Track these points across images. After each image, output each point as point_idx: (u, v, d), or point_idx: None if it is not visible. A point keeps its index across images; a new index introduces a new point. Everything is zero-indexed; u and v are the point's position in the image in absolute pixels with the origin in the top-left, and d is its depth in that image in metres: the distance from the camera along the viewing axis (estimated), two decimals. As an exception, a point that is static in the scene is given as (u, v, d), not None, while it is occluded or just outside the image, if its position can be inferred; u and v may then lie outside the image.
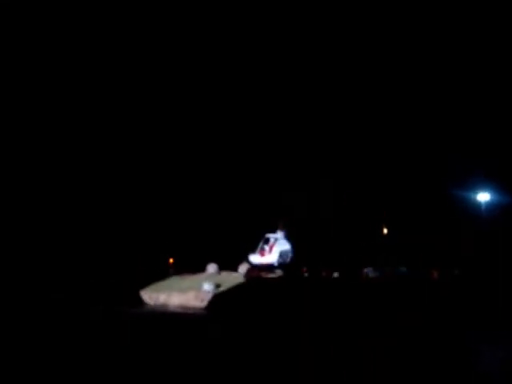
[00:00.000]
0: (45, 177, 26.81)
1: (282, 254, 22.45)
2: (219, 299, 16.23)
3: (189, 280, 18.03)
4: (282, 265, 21.96)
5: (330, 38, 33.43)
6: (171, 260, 22.62)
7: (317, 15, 33.75)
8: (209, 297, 16.54)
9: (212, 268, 19.15)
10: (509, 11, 31.01)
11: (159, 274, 19.33)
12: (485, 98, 31.71)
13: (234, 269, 19.45)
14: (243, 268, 19.22)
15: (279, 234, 23.83)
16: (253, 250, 22.71)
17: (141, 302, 17.50)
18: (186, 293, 16.80)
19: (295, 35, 33.52)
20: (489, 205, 26.46)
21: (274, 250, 22.46)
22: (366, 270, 22.46)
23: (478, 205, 26.75)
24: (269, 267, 21.63)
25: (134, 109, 31.34)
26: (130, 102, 31.27)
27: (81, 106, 29.81)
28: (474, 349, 10.63)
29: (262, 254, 22.43)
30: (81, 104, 29.80)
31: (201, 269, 19.44)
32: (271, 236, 23.52)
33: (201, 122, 32.04)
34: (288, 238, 23.79)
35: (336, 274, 21.63)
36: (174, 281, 18.46)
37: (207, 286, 16.82)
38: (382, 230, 30.05)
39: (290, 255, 22.93)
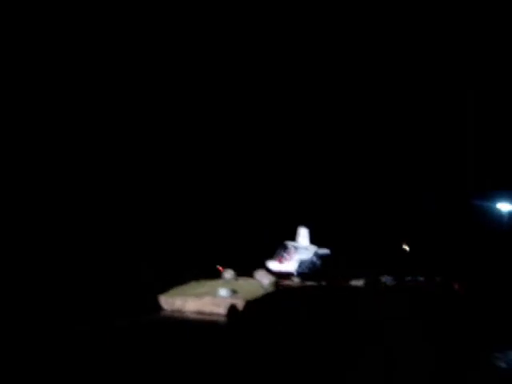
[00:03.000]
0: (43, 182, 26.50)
1: (301, 264, 22.31)
2: (242, 307, 16.01)
3: (205, 285, 18.04)
4: (300, 274, 21.83)
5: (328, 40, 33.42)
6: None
7: (317, 15, 33.74)
8: (225, 303, 16.49)
9: (228, 274, 19.14)
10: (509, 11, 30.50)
11: (178, 279, 19.08)
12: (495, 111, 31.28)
13: (250, 275, 19.41)
14: (259, 274, 19.17)
15: (300, 243, 23.69)
16: (271, 256, 22.70)
17: (158, 307, 17.32)
18: (201, 298, 16.81)
19: (295, 37, 33.57)
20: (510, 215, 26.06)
21: (294, 259, 22.37)
22: (383, 279, 22.27)
23: (500, 215, 26.35)
24: (287, 275, 21.54)
25: (134, 110, 31.35)
26: (129, 103, 31.34)
27: (80, 106, 29.86)
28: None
29: (281, 261, 22.35)
30: (80, 104, 29.87)
31: (217, 274, 19.48)
32: (290, 243, 23.41)
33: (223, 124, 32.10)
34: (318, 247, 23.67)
35: (355, 283, 21.44)
36: (191, 286, 18.43)
37: (223, 292, 16.68)
38: (402, 240, 29.79)
39: (309, 266, 22.73)
